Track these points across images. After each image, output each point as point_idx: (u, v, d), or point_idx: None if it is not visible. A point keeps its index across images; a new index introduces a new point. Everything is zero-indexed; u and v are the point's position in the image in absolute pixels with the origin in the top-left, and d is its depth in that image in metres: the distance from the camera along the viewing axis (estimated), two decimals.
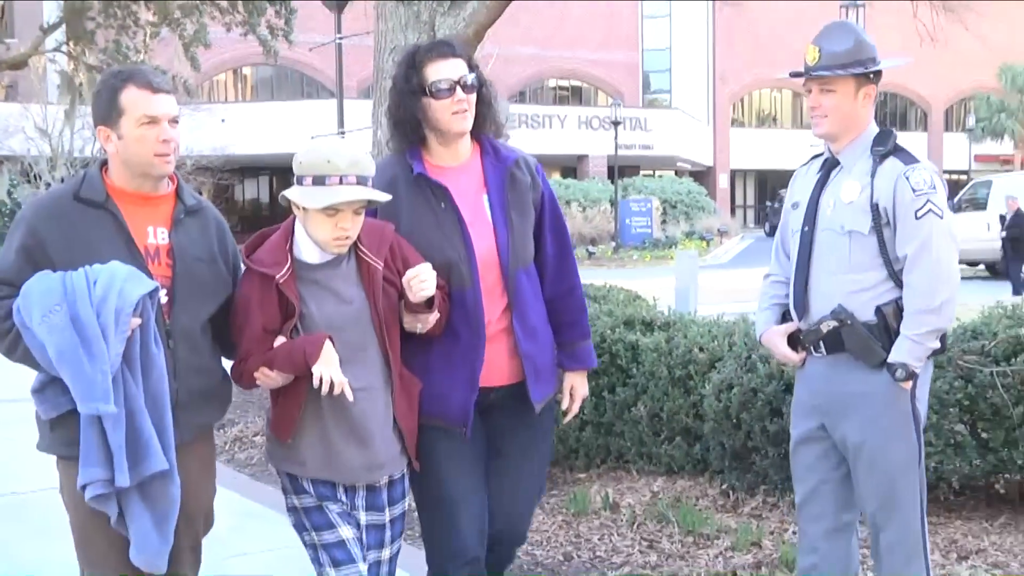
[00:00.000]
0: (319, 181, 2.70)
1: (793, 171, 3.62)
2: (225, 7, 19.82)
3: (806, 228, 3.33)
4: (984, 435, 4.65)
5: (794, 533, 4.82)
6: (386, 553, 2.96)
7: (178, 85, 21.79)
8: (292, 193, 2.75)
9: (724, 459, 5.38)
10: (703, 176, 47.10)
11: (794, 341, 3.39)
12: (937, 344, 3.21)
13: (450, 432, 3.03)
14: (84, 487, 2.54)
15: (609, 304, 6.50)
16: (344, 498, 2.86)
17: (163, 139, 2.71)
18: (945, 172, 44.04)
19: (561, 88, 46.82)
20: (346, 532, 2.82)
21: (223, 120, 29.77)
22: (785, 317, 3.47)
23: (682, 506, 5.14)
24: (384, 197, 2.79)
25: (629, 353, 5.63)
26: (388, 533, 2.96)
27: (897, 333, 3.15)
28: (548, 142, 37.34)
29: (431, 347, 3.00)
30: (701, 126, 48.24)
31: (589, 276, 5.78)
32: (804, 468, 3.47)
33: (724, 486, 5.43)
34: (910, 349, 3.12)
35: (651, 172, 44.15)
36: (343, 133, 21.31)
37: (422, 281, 2.76)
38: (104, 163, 2.81)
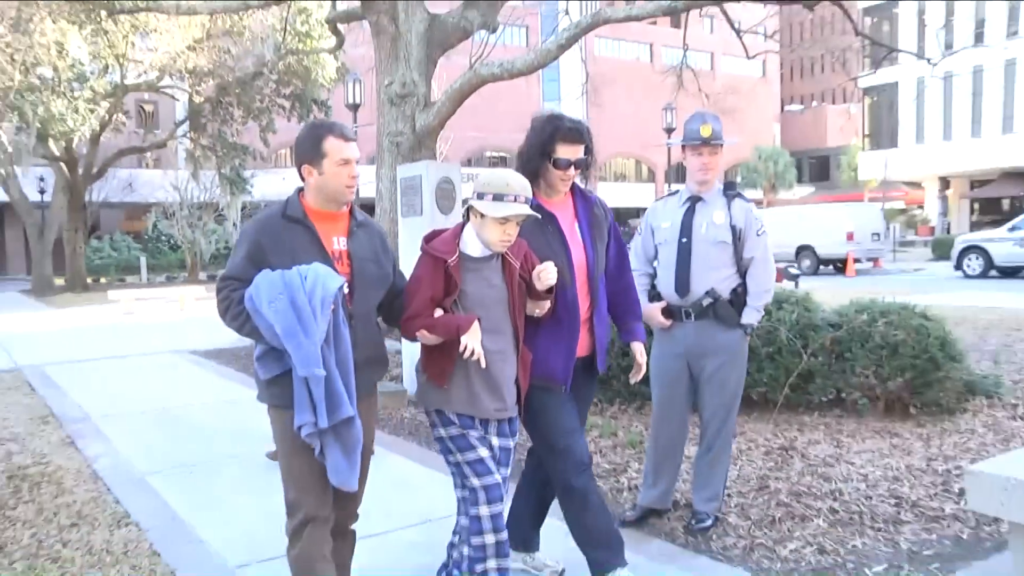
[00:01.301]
0: (499, 197, 2.34)
1: (636, 208, 3.54)
2: (288, 107, 20.06)
3: (684, 240, 3.19)
4: None
5: (635, 428, 4.83)
6: (504, 472, 2.53)
7: (257, 155, 21.84)
8: (477, 203, 2.38)
9: None
10: None
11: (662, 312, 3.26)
12: (763, 313, 3.27)
13: (551, 389, 2.65)
14: (300, 428, 2.23)
15: None
16: (479, 427, 2.48)
17: (352, 175, 2.35)
18: None
19: (493, 157, 46.45)
20: (484, 452, 2.45)
21: (283, 178, 29.14)
22: (651, 298, 3.31)
23: None
24: (537, 215, 2.48)
25: None
26: (511, 456, 2.56)
27: (743, 305, 3.18)
28: None
29: (541, 328, 2.63)
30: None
31: None
32: (667, 387, 3.33)
33: (594, 400, 5.45)
34: (755, 316, 3.19)
35: None
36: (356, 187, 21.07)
37: (548, 273, 2.45)
38: (300, 190, 2.40)
